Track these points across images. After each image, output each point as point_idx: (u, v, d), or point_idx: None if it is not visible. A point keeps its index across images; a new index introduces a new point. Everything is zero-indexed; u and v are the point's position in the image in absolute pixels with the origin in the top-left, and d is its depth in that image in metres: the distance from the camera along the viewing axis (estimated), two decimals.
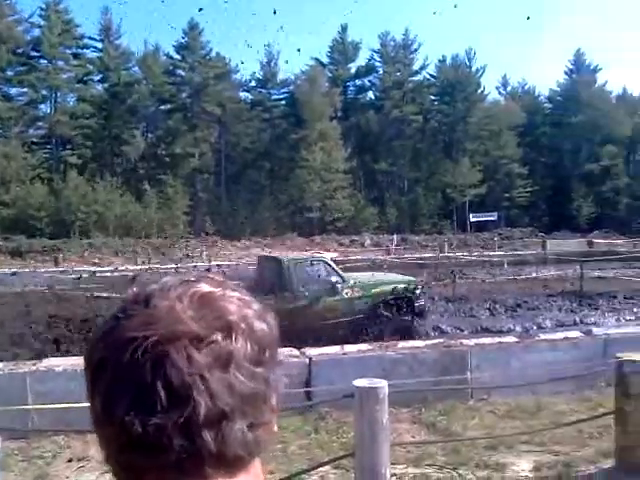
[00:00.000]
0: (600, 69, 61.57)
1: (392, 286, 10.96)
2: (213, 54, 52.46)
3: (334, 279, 10.35)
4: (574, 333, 7.23)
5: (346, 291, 10.42)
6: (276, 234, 43.94)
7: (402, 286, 11.03)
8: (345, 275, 10.91)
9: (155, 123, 52.64)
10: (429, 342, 6.70)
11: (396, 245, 37.13)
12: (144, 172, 51.10)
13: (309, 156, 48.69)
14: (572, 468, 4.37)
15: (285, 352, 6.26)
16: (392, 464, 4.16)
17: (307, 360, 5.98)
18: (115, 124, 49.16)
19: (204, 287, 0.62)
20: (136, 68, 51.69)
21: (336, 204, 49.52)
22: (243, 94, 56.71)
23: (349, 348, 6.48)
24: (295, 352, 6.22)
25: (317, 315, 9.86)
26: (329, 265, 10.84)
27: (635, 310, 13.59)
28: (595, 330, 7.36)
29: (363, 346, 6.46)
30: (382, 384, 3.44)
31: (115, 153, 51.09)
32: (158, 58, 51.72)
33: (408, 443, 4.85)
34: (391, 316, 10.37)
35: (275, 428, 0.63)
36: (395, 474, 4.25)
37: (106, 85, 50.54)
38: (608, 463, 4.36)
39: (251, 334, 0.59)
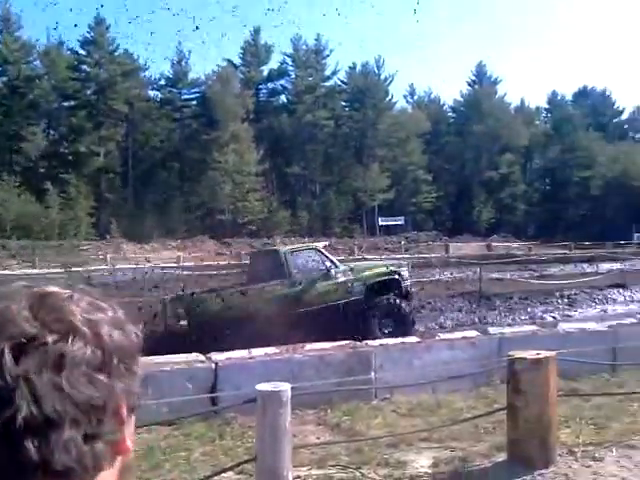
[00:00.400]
0: (500, 81, 65.22)
1: (381, 269, 11.70)
2: (121, 51, 50.73)
3: (328, 264, 10.83)
4: (472, 333, 7.55)
5: (339, 275, 10.83)
6: (186, 237, 43.04)
7: (391, 269, 11.72)
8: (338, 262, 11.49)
9: (58, 120, 50.19)
10: (336, 344, 6.78)
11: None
12: (45, 171, 48.52)
13: (221, 158, 48.14)
14: (468, 463, 4.55)
15: (191, 358, 6.14)
16: (296, 466, 4.17)
17: (213, 365, 5.88)
18: (14, 120, 46.36)
19: (50, 289, 0.59)
20: (38, 62, 49.09)
21: (248, 207, 49.25)
22: (152, 92, 55.35)
23: (256, 352, 6.44)
24: (201, 357, 6.11)
25: (314, 298, 10.27)
26: (322, 253, 11.36)
27: (529, 310, 14.45)
28: (491, 329, 7.73)
29: (270, 349, 6.43)
30: (285, 387, 3.44)
31: (14, 150, 48.12)
32: (62, 53, 49.36)
33: (312, 445, 4.87)
34: (383, 298, 10.82)
35: (129, 442, 0.59)
36: (299, 476, 4.26)
37: (5, 79, 47.53)
38: (501, 457, 4.58)
39: (95, 339, 0.56)
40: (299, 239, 43.43)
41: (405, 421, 5.60)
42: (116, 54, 50.35)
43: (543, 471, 4.26)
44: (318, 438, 5.31)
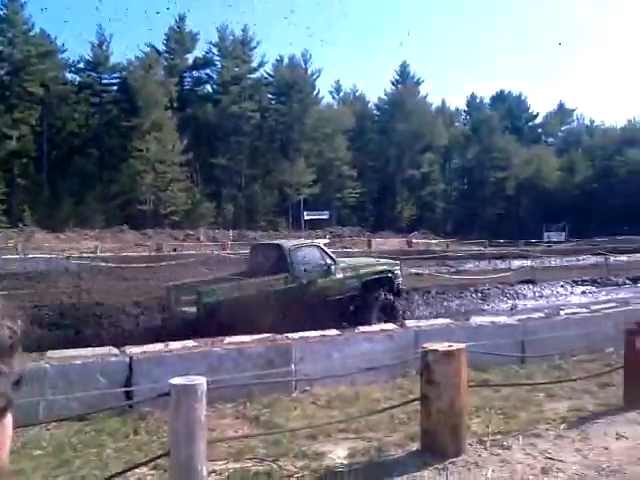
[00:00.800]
0: (422, 81, 66.86)
1: (376, 267, 12.47)
2: (36, 30, 48.11)
3: (328, 261, 11.41)
4: (390, 326, 7.74)
5: (338, 272, 11.43)
6: (105, 226, 41.55)
7: (385, 267, 12.56)
8: (337, 259, 12.05)
9: None
10: (256, 337, 6.75)
11: (233, 240, 37.02)
12: None
13: (142, 146, 46.73)
14: (383, 453, 4.65)
15: (103, 351, 5.93)
16: (212, 461, 4.12)
17: (127, 359, 5.71)
18: None
19: None
20: None
21: (171, 197, 48.10)
22: (70, 75, 52.74)
23: (174, 345, 6.31)
24: (114, 350, 5.92)
25: (314, 293, 10.91)
26: (322, 250, 11.93)
27: (445, 304, 14.94)
28: (408, 322, 7.94)
29: (189, 343, 6.32)
30: (200, 381, 3.39)
31: None
32: None
33: (229, 438, 4.83)
34: (377, 295, 11.61)
35: None
36: (215, 470, 4.21)
37: None
38: (415, 446, 4.71)
39: None
40: (223, 232, 42.96)
41: (324, 413, 5.66)
42: (31, 34, 47.72)
43: (454, 460, 4.41)
44: (236, 431, 5.27)
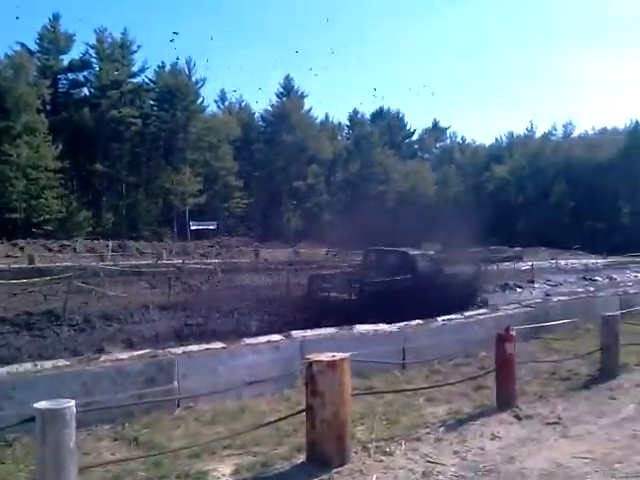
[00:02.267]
0: (306, 95, 68.00)
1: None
2: None
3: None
4: (276, 337, 7.68)
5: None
6: None
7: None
8: None
9: None
10: (135, 353, 6.43)
11: (112, 251, 35.36)
12: None
13: (12, 151, 43.52)
14: (269, 467, 4.57)
15: None
16: None
17: None
18: None
19: None
20: None
21: (44, 205, 45.09)
22: None
23: (45, 365, 5.85)
24: None
25: (430, 285, 14.29)
26: (427, 256, 16.91)
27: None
28: (294, 333, 7.93)
29: (60, 362, 5.88)
30: (69, 404, 3.12)
31: None
32: None
33: (105, 463, 4.53)
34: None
35: None
36: None
37: None
38: (301, 458, 4.67)
39: None
40: (103, 242, 40.87)
41: (208, 429, 5.48)
42: None
43: (339, 469, 4.43)
44: (113, 454, 4.97)
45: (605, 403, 6.32)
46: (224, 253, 37.77)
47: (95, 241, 42.01)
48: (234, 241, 48.07)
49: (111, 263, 26.23)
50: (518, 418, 5.78)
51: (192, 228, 51.48)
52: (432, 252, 18.80)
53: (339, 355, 4.73)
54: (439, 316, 9.68)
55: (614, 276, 27.74)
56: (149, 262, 26.98)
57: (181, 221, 53.40)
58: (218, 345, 7.15)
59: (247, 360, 6.84)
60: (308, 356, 4.78)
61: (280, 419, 5.17)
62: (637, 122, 69.92)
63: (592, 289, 19.47)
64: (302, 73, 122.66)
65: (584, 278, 26.98)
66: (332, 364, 4.57)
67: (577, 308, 11.62)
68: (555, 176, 68.75)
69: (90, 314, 13.62)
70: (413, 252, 16.44)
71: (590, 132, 77.88)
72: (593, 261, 38.63)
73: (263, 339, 7.43)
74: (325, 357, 4.66)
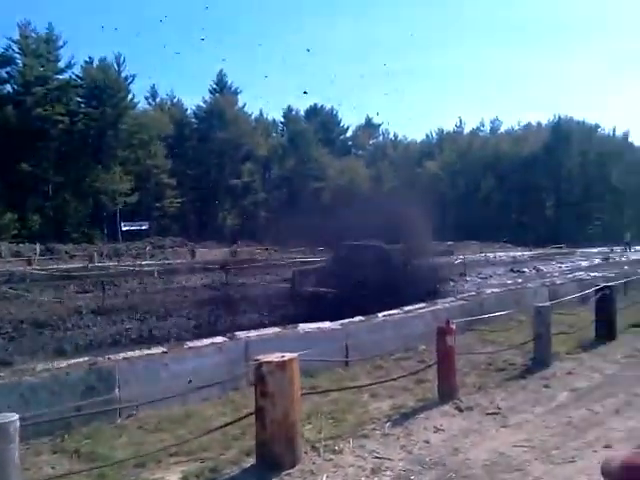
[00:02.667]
0: (240, 91, 67.38)
1: None
2: None
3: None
4: (219, 338, 7.59)
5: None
6: None
7: None
8: None
9: None
10: (72, 361, 6.20)
11: (40, 255, 33.87)
12: None
13: None
14: (218, 472, 4.52)
15: None
16: None
17: None
18: None
19: None
20: None
21: None
22: None
23: None
24: None
25: (404, 276, 15.82)
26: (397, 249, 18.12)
27: (282, 312, 15.08)
28: (238, 334, 7.86)
29: None
30: (12, 418, 2.99)
31: None
32: None
33: (47, 477, 4.36)
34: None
35: None
36: None
37: None
38: (251, 461, 4.65)
39: None
40: (30, 245, 39.06)
41: (153, 437, 5.37)
42: None
43: (290, 471, 4.44)
44: (54, 468, 4.78)
45: (540, 392, 6.61)
46: (158, 254, 36.90)
47: (21, 244, 40.01)
48: (168, 241, 46.99)
49: (39, 267, 25.13)
50: (460, 410, 5.96)
51: (123, 229, 49.99)
52: (398, 245, 18.96)
53: (288, 355, 4.74)
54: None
55: (541, 267, 28.97)
56: (80, 265, 26.03)
57: (112, 222, 51.79)
58: (159, 350, 7.00)
59: (190, 363, 6.73)
60: (257, 357, 4.76)
61: (228, 423, 5.12)
62: (559, 117, 73.27)
63: (520, 280, 20.25)
64: (236, 69, 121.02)
65: (512, 270, 28.03)
66: (282, 364, 4.57)
67: (509, 300, 12.07)
68: (484, 171, 71.08)
69: (20, 321, 13.04)
70: (387, 246, 17.73)
71: (516, 127, 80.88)
72: (520, 253, 40.25)
73: (206, 341, 7.32)
74: (274, 357, 4.66)
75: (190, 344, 7.43)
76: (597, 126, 75.63)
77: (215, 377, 6.32)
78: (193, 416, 5.86)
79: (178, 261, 29.64)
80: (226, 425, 5.06)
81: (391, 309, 9.79)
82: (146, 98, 64.77)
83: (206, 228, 56.56)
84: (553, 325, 8.11)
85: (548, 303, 8.97)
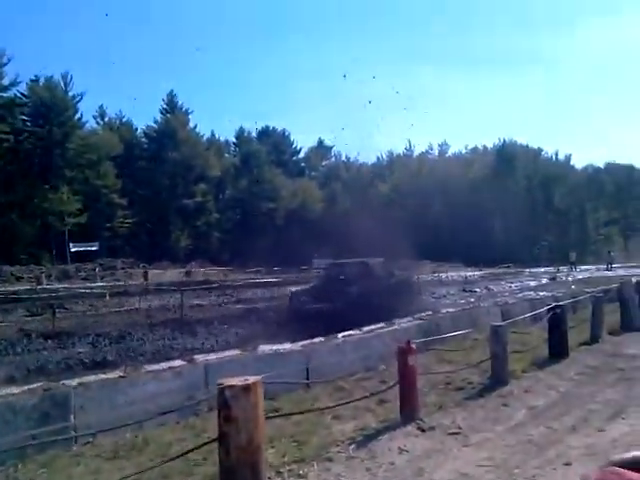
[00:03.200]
0: (192, 112, 67.09)
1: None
2: None
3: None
4: (177, 362, 7.44)
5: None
6: None
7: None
8: None
9: None
10: (25, 387, 5.96)
11: None
12: None
13: None
14: None
15: None
16: None
17: None
18: None
19: None
20: None
21: None
22: None
23: None
24: None
25: (388, 290, 16.41)
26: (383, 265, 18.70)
27: (234, 332, 14.89)
28: (197, 357, 7.72)
29: None
30: None
31: None
32: None
33: None
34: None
35: None
36: None
37: None
38: None
39: None
40: None
41: (111, 465, 5.19)
42: None
43: None
44: None
45: (499, 410, 6.72)
46: (109, 276, 36.01)
47: None
48: (119, 263, 45.96)
49: None
50: (422, 430, 6.00)
51: (72, 250, 48.59)
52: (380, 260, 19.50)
53: (252, 378, 4.66)
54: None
55: (491, 287, 29.64)
56: (27, 287, 25.12)
57: (60, 243, 50.29)
58: (116, 374, 6.80)
59: (149, 388, 6.57)
60: (220, 380, 4.67)
61: (189, 450, 5.00)
62: (504, 141, 75.73)
63: (473, 300, 20.65)
64: (187, 89, 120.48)
65: (464, 290, 28.55)
66: (246, 388, 4.50)
67: (464, 319, 12.30)
68: (434, 193, 72.56)
69: None
70: (372, 261, 18.46)
71: (463, 151, 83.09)
72: (471, 273, 41.12)
73: (165, 365, 7.17)
74: (238, 381, 4.58)
75: (148, 368, 7.26)
76: (540, 150, 78.59)
77: (174, 402, 6.18)
78: (152, 442, 5.70)
79: (130, 283, 28.95)
80: (188, 452, 4.94)
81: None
82: (94, 117, 63.67)
83: (159, 249, 55.58)
84: (508, 343, 8.29)
85: (504, 322, 9.18)
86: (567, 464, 4.88)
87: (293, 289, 18.93)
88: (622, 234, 76.48)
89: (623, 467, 1.43)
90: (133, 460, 5.29)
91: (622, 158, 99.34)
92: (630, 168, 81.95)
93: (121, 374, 6.95)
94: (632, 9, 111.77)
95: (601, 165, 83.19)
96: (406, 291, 18.08)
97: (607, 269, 42.16)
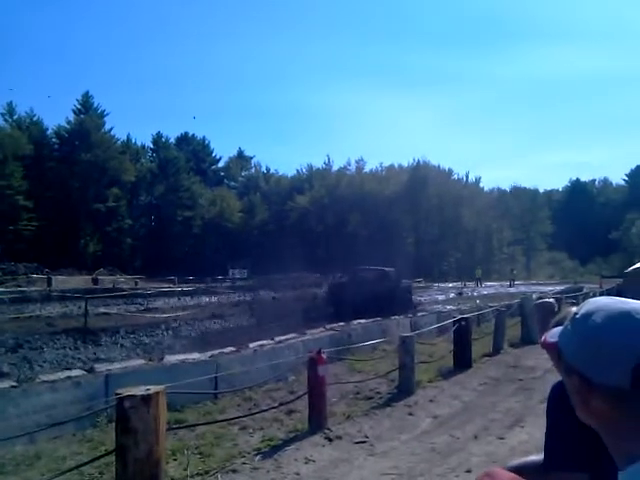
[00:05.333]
0: (107, 114, 64.77)
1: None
2: None
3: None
4: (77, 372, 7.06)
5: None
6: None
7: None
8: None
9: None
10: None
11: None
12: None
13: None
14: None
15: None
16: None
17: None
18: None
19: None
20: None
21: None
22: None
23: None
24: None
25: (398, 290, 21.51)
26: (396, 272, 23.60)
27: (137, 343, 14.37)
28: (97, 367, 7.36)
29: None
30: None
31: None
32: None
33: None
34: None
35: None
36: None
37: None
38: None
39: None
40: None
41: None
42: None
43: None
44: None
45: (405, 419, 6.84)
46: (10, 281, 33.85)
47: None
48: (21, 267, 43.32)
49: None
50: (329, 439, 5.99)
51: None
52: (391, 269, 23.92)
53: (154, 388, 4.49)
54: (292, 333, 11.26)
55: None
56: None
57: None
58: (8, 383, 6.36)
59: (43, 399, 6.17)
60: (119, 390, 4.45)
61: (84, 463, 4.73)
62: (418, 161, 78.34)
63: None
64: (102, 91, 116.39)
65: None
66: (147, 398, 4.32)
67: (375, 330, 12.50)
68: (351, 207, 73.76)
69: None
70: (388, 270, 23.42)
71: (379, 168, 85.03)
72: None
73: (63, 375, 6.78)
74: (139, 391, 4.39)
75: (43, 377, 6.85)
76: (451, 171, 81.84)
77: (71, 413, 5.85)
78: (44, 456, 5.35)
79: (32, 289, 27.30)
80: (82, 465, 4.67)
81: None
82: (2, 114, 60.08)
83: (65, 254, 52.96)
84: (416, 354, 8.48)
85: (412, 333, 9.38)
86: (468, 471, 5.01)
87: (333, 282, 24.67)
88: (525, 254, 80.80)
89: (514, 472, 1.49)
90: (22, 475, 4.96)
91: (527, 182, 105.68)
92: (534, 192, 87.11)
93: (13, 384, 6.52)
94: (544, 37, 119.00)
95: (507, 188, 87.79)
96: (408, 292, 23.29)
97: (510, 286, 44.27)
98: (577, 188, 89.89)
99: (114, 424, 4.58)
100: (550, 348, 1.01)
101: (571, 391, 0.94)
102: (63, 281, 32.02)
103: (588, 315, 0.92)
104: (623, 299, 0.93)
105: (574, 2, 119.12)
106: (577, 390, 0.92)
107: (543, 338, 1.10)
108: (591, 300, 0.96)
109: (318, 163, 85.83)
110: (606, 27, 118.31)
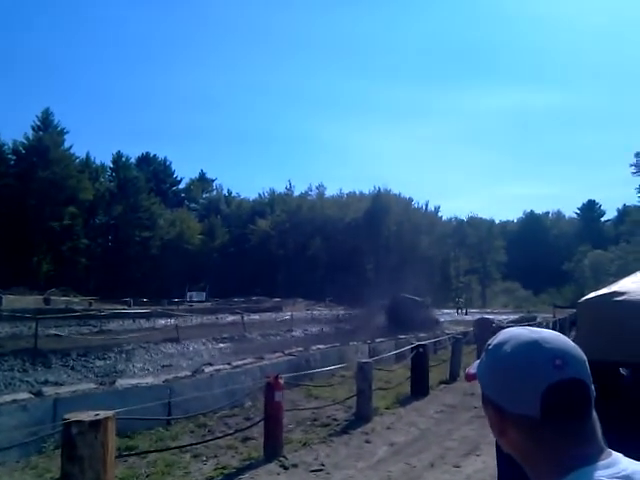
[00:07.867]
0: (67, 132, 63.73)
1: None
2: None
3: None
4: (23, 395, 6.77)
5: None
6: None
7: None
8: None
9: None
10: None
11: None
12: None
13: None
14: None
15: None
16: None
17: None
18: None
19: None
20: None
21: None
22: None
23: None
24: None
25: (427, 313, 28.52)
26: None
27: (88, 367, 13.90)
28: (46, 390, 7.07)
29: None
30: None
31: None
32: None
33: None
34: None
35: None
36: None
37: None
38: None
39: None
40: None
41: None
42: None
43: None
44: None
45: (362, 447, 6.77)
46: None
47: None
48: None
49: None
50: (285, 468, 5.87)
51: None
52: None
53: (103, 413, 4.32)
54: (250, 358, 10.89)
55: None
56: None
57: None
58: None
59: None
60: (66, 415, 4.27)
61: None
62: (379, 189, 79.30)
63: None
64: (63, 108, 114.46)
65: (336, 328, 28.95)
66: (95, 424, 4.15)
67: (334, 356, 12.42)
68: (312, 232, 73.96)
69: None
70: (420, 298, 29.07)
71: (340, 194, 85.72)
72: (343, 312, 41.96)
73: (8, 398, 6.48)
74: (87, 416, 4.22)
75: None
76: (411, 199, 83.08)
77: (16, 439, 5.58)
78: None
79: None
80: None
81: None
82: None
83: (16, 273, 51.26)
84: (373, 381, 8.45)
85: (370, 359, 9.36)
86: None
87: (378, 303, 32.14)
88: (480, 282, 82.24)
89: None
90: None
91: (484, 212, 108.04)
92: (490, 222, 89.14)
93: None
94: (504, 75, 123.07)
95: (465, 218, 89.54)
96: (432, 315, 29.65)
97: (465, 314, 45.13)
98: (531, 220, 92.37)
99: (61, 451, 4.38)
100: (471, 379, 1.00)
101: (489, 422, 0.93)
102: (14, 300, 30.92)
103: (500, 345, 0.92)
104: (535, 328, 0.94)
105: (533, 46, 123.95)
106: (493, 421, 0.91)
107: (467, 370, 1.09)
108: (505, 330, 0.96)
109: (280, 188, 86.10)
110: (560, 67, 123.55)
